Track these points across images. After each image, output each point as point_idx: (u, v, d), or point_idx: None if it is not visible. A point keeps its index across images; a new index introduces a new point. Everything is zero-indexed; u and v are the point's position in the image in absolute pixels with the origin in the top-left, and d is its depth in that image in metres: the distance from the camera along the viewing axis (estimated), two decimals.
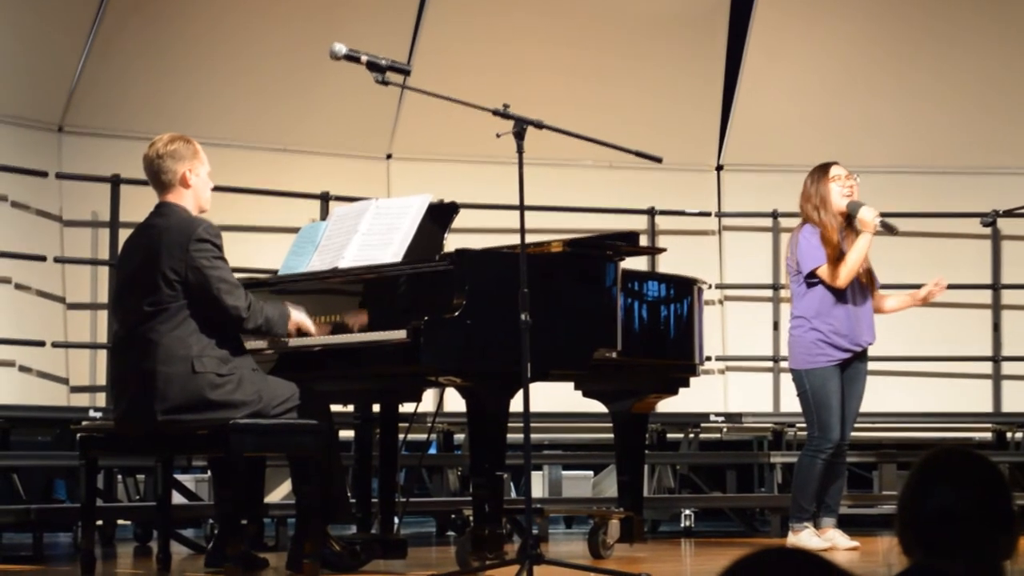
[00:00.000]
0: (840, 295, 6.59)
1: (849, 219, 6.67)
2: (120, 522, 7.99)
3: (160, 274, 5.03)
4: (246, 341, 5.29)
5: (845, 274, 6.55)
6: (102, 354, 7.92)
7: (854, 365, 6.67)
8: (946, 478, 2.33)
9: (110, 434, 5.44)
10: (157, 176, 5.25)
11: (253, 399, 5.04)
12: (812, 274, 6.59)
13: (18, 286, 7.84)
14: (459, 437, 8.58)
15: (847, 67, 9.34)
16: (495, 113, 5.11)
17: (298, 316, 5.30)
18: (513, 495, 8.73)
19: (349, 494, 5.99)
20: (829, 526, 6.75)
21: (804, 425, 8.55)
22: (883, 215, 6.68)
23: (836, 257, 6.55)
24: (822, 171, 6.76)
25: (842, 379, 6.64)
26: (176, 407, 4.97)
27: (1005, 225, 9.14)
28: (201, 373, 4.98)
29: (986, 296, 9.27)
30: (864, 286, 6.68)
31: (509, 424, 5.33)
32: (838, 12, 9.28)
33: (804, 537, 6.62)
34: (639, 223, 9.00)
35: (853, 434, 6.88)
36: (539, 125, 5.16)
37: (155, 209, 5.25)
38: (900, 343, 8.86)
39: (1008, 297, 9.28)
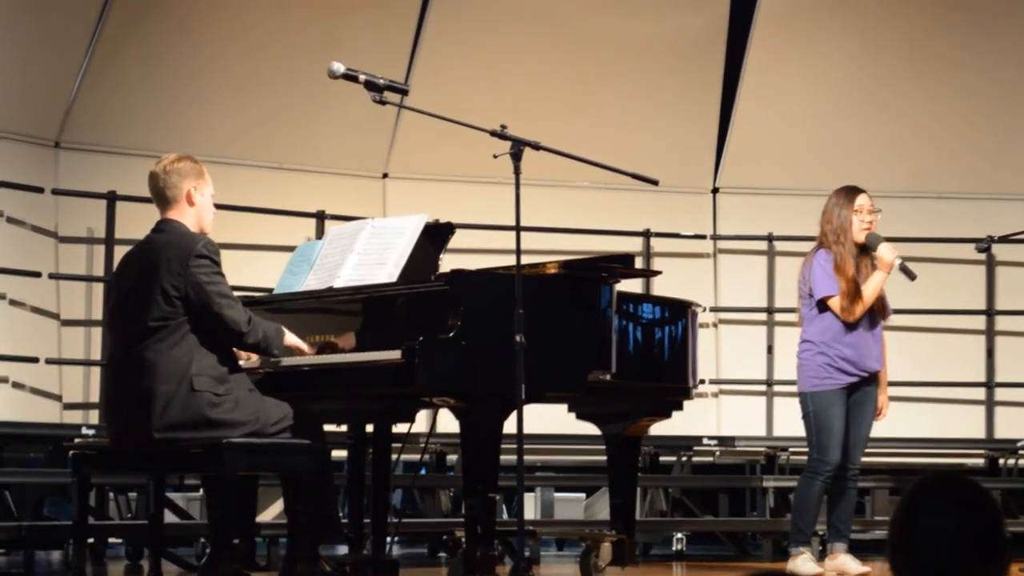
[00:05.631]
0: (850, 323, 6.59)
1: (864, 248, 6.66)
2: (111, 540, 7.97)
3: (160, 290, 5.01)
4: (240, 360, 5.28)
5: (859, 311, 6.56)
6: (96, 371, 7.91)
7: (862, 389, 6.67)
8: (938, 504, 2.34)
9: (103, 452, 5.42)
10: (162, 192, 5.23)
11: (251, 419, 5.04)
12: (822, 302, 6.59)
13: (12, 302, 7.84)
14: (452, 458, 8.58)
15: (843, 92, 9.37)
16: (492, 134, 5.12)
17: (292, 338, 5.30)
18: (505, 517, 8.72)
19: (341, 514, 5.98)
20: (840, 551, 6.71)
21: (797, 449, 8.56)
22: (887, 239, 6.68)
23: (850, 290, 6.54)
24: (848, 198, 6.67)
25: (849, 403, 6.64)
26: (175, 425, 4.95)
27: (1000, 251, 9.16)
28: (200, 391, 4.97)
29: (980, 322, 9.28)
30: (875, 313, 6.67)
31: (502, 445, 5.32)
32: (834, 38, 9.32)
33: (800, 562, 6.59)
34: (634, 245, 9.00)
35: None
36: (536, 146, 5.17)
37: (156, 225, 5.24)
38: (894, 368, 8.84)
39: (1002, 323, 9.29)
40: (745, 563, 8.19)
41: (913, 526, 2.33)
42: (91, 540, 7.18)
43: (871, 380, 6.70)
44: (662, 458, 9.05)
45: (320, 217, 8.41)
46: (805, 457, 6.87)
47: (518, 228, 5.08)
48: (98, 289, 7.98)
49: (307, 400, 5.46)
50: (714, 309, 9.21)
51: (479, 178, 8.72)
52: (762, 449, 8.95)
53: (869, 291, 6.59)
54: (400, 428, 6.05)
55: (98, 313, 7.95)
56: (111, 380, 5.26)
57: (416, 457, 7.84)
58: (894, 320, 6.97)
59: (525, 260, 5.16)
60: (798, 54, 9.32)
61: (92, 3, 8.03)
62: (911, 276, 6.60)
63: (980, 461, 9.20)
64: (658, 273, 7.45)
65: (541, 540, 8.42)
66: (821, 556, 7.01)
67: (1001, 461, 9.10)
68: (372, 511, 5.94)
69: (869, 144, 9.38)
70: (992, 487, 8.45)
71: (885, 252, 6.60)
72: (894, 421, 8.95)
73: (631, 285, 7.18)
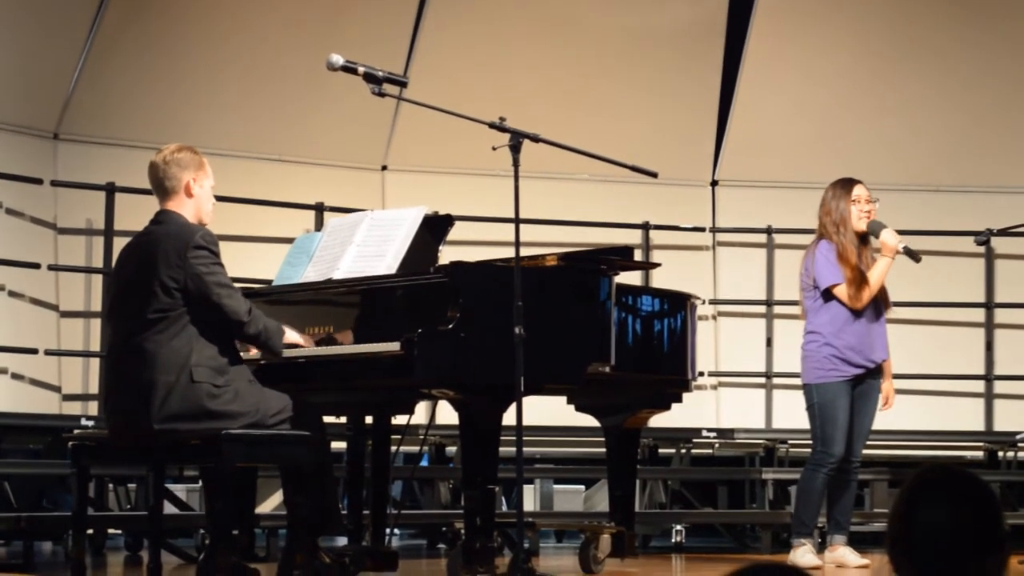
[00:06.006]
0: (855, 312, 6.61)
1: (864, 236, 6.69)
2: (111, 531, 7.98)
3: (158, 282, 5.00)
4: (241, 352, 5.28)
5: (867, 297, 6.58)
6: (95, 362, 7.91)
7: (867, 381, 6.70)
8: (937, 496, 2.34)
9: (102, 443, 5.42)
10: (161, 182, 5.21)
11: (251, 410, 5.03)
12: (828, 292, 6.60)
13: (12, 293, 7.83)
14: (451, 450, 8.58)
15: (843, 84, 9.36)
16: (491, 126, 5.12)
17: (292, 335, 5.30)
18: (504, 508, 8.72)
19: (341, 506, 5.98)
20: (840, 543, 6.74)
21: (796, 442, 8.55)
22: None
23: (855, 278, 6.56)
24: (845, 189, 6.73)
25: (853, 395, 6.66)
26: (175, 416, 4.94)
27: (999, 244, 9.15)
28: (199, 383, 4.96)
29: (979, 315, 9.28)
30: (878, 303, 6.70)
31: (501, 437, 5.33)
32: (833, 31, 9.31)
33: (800, 553, 6.62)
34: (634, 237, 9.01)
35: None
36: (535, 139, 5.17)
37: (154, 217, 5.22)
38: (893, 360, 8.87)
39: (1001, 316, 9.29)
40: (744, 555, 8.20)
41: (912, 519, 2.33)
42: (90, 531, 7.19)
43: (876, 372, 6.72)
44: (661, 450, 9.06)
45: (319, 209, 8.41)
46: (804, 449, 6.89)
47: (517, 220, 5.08)
48: (97, 281, 7.98)
49: (306, 392, 5.46)
50: (713, 301, 9.21)
51: (478, 170, 8.72)
52: (761, 441, 8.95)
53: (875, 277, 6.61)
54: (400, 420, 6.06)
55: (97, 304, 7.95)
56: (110, 371, 5.25)
57: (415, 449, 7.84)
58: (893, 313, 6.99)
59: (524, 252, 5.16)
60: (797, 47, 9.32)
61: None
62: (916, 259, 6.64)
63: (979, 454, 9.21)
64: (657, 265, 7.45)
65: (540, 532, 8.42)
66: (820, 548, 7.03)
67: (1000, 454, 9.11)
68: (371, 503, 5.94)
69: (868, 137, 9.38)
70: (991, 480, 8.46)
71: (889, 237, 6.62)
72: (893, 413, 8.96)
73: (630, 278, 7.19)
